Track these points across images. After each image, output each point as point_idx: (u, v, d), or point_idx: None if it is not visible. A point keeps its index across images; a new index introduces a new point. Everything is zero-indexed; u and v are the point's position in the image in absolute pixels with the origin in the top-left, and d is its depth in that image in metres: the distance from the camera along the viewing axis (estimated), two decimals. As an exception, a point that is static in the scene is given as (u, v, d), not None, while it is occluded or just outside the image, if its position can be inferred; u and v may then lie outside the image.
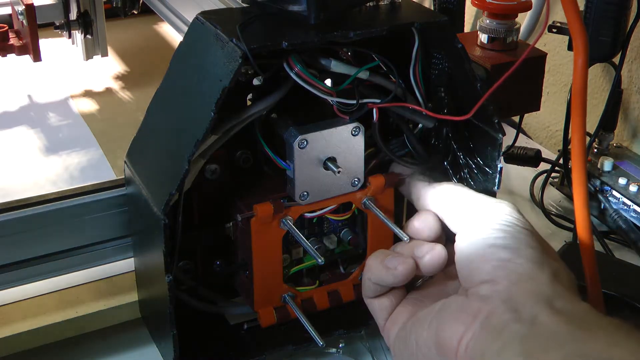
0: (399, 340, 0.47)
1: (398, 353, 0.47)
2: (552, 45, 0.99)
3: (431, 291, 0.50)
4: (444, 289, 0.50)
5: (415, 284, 0.51)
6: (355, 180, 0.58)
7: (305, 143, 0.55)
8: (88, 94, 1.09)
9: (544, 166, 0.87)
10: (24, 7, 0.95)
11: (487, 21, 0.70)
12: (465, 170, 0.60)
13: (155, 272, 0.55)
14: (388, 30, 0.53)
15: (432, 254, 0.48)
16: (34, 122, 1.01)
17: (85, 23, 1.02)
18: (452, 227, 0.50)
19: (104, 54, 1.06)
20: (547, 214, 0.82)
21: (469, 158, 0.60)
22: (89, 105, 1.05)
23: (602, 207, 0.78)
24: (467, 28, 0.86)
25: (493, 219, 0.45)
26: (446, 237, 0.52)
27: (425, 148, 0.61)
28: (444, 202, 0.52)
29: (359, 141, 0.57)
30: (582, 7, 0.68)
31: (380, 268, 0.48)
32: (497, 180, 0.57)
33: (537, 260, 0.42)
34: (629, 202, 0.76)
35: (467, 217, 0.48)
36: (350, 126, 0.56)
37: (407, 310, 0.49)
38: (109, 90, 1.10)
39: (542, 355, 0.36)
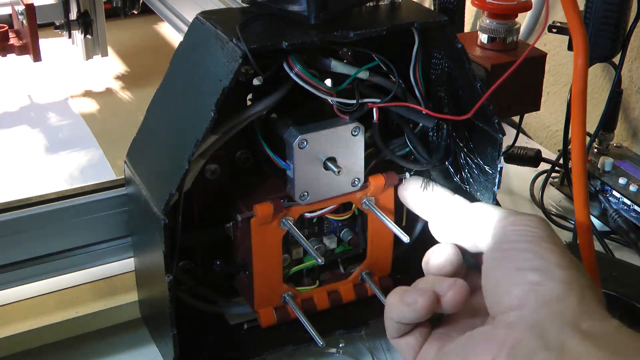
0: None
1: None
2: (552, 45, 0.99)
3: (457, 324, 0.47)
4: (470, 320, 0.47)
5: (440, 319, 0.49)
6: (355, 180, 0.58)
7: (305, 143, 0.55)
8: (88, 94, 1.09)
9: (544, 166, 0.87)
10: (24, 7, 0.95)
11: (487, 21, 0.70)
12: (466, 170, 0.60)
13: (155, 272, 0.55)
14: (388, 30, 0.53)
15: (454, 292, 0.45)
16: (34, 122, 1.01)
17: (85, 23, 1.02)
18: (474, 245, 0.47)
19: (104, 54, 1.06)
20: (547, 214, 0.82)
21: (469, 158, 0.60)
22: (89, 105, 1.05)
23: (602, 207, 0.78)
24: (467, 28, 0.86)
25: (519, 236, 0.43)
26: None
27: (426, 148, 0.61)
28: (462, 219, 0.49)
29: (359, 141, 0.57)
30: (582, 7, 0.68)
31: (401, 305, 0.45)
32: (497, 180, 0.57)
33: (566, 280, 0.40)
34: (629, 202, 0.76)
35: (491, 235, 0.45)
36: (350, 126, 0.56)
37: (434, 347, 0.46)
38: (109, 90, 1.10)
39: None
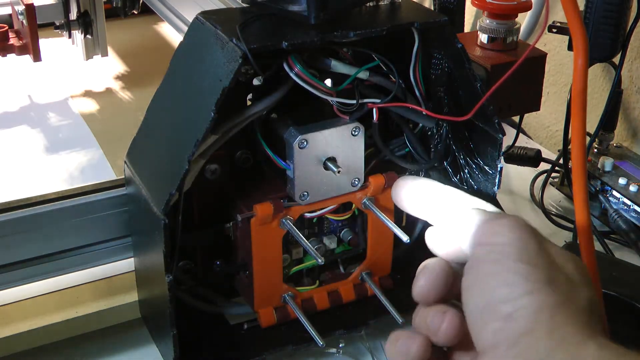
0: None
1: None
2: (552, 45, 0.99)
3: (460, 351, 0.45)
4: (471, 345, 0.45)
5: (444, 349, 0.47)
6: (355, 180, 0.58)
7: (305, 143, 0.55)
8: (88, 94, 1.09)
9: (544, 166, 0.87)
10: (24, 7, 0.95)
11: (487, 21, 0.70)
12: (466, 170, 0.60)
13: (155, 272, 0.55)
14: (388, 30, 0.53)
15: (444, 327, 0.43)
16: (34, 122, 1.01)
17: (85, 23, 1.02)
18: (461, 252, 0.45)
19: (104, 54, 1.06)
20: (547, 214, 0.82)
21: (469, 158, 0.60)
22: (89, 105, 1.05)
23: (602, 207, 0.78)
24: (467, 28, 0.86)
25: (487, 255, 0.41)
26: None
27: (426, 148, 0.61)
28: (449, 224, 0.46)
29: (359, 141, 0.57)
30: (582, 7, 0.68)
31: (397, 355, 0.44)
32: (497, 180, 0.57)
33: (534, 306, 0.38)
34: (629, 202, 0.76)
35: (469, 247, 0.43)
36: (350, 126, 0.56)
37: None
38: (109, 90, 1.10)
39: None
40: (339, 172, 0.56)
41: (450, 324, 0.43)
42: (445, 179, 0.61)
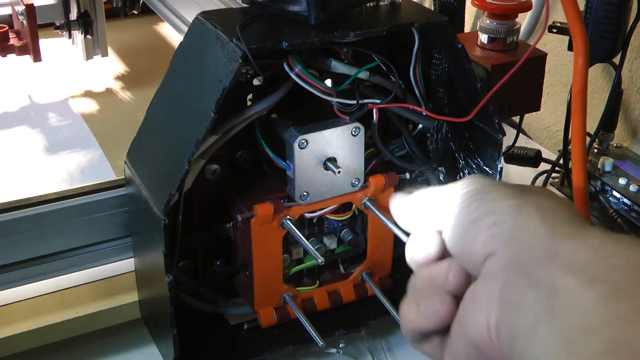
0: None
1: None
2: (552, 46, 0.99)
3: None
4: None
5: None
6: (355, 181, 0.58)
7: (305, 143, 0.55)
8: (88, 94, 1.09)
9: (544, 166, 0.87)
10: (24, 7, 0.95)
11: (487, 21, 0.70)
12: (466, 171, 0.60)
13: (155, 272, 0.55)
14: (388, 30, 0.53)
15: (453, 276, 0.42)
16: (34, 122, 1.01)
17: (85, 23, 1.02)
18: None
19: (104, 54, 1.06)
20: (547, 214, 0.82)
21: (469, 158, 0.60)
22: (89, 105, 1.05)
23: (602, 207, 0.78)
24: (467, 28, 0.86)
25: (460, 198, 0.41)
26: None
27: (424, 149, 0.61)
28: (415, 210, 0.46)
29: (359, 141, 0.57)
30: (582, 7, 0.68)
31: (420, 319, 0.42)
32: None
33: (516, 207, 0.38)
34: (629, 203, 0.76)
35: (439, 212, 0.43)
36: (351, 126, 0.56)
37: None
38: (109, 90, 1.10)
39: (578, 338, 0.31)
40: (339, 172, 0.56)
41: (457, 272, 0.41)
42: (445, 180, 0.61)
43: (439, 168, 0.63)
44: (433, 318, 0.42)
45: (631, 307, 0.31)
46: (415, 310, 0.43)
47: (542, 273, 0.35)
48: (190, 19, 0.56)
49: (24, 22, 0.96)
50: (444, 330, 0.43)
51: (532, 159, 0.84)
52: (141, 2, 1.12)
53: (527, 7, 0.70)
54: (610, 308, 0.32)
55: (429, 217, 0.45)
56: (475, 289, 0.39)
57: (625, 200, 0.76)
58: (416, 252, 0.45)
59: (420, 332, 0.44)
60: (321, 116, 0.56)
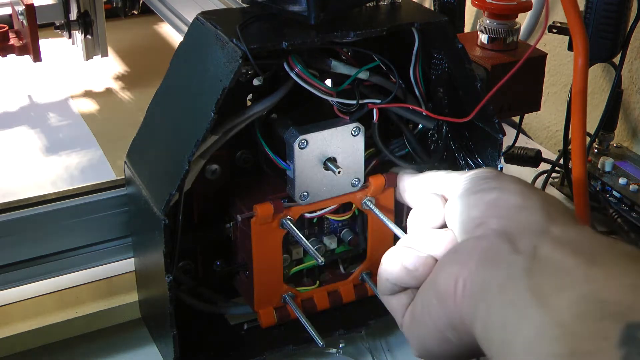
0: (410, 321, 0.44)
1: (412, 336, 0.43)
2: (552, 46, 0.99)
3: None
4: None
5: None
6: (355, 181, 0.58)
7: (305, 143, 0.55)
8: (88, 94, 1.09)
9: (544, 166, 0.87)
10: (24, 7, 0.95)
11: (487, 21, 0.70)
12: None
13: (155, 272, 0.55)
14: (388, 30, 0.53)
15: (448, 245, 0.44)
16: (34, 122, 1.01)
17: (85, 23, 1.02)
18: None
19: (104, 54, 1.06)
20: (547, 214, 0.82)
21: (469, 158, 0.60)
22: (89, 105, 1.05)
23: (602, 207, 0.78)
24: (467, 28, 0.86)
25: (472, 177, 0.44)
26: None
27: (425, 149, 0.61)
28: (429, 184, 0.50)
29: (359, 141, 0.57)
30: (582, 7, 0.68)
31: (400, 270, 0.44)
32: (497, 181, 0.57)
33: (524, 192, 0.40)
34: (629, 202, 0.76)
35: (451, 184, 0.46)
36: (351, 126, 0.56)
37: None
38: (109, 90, 1.10)
39: (552, 293, 0.33)
40: (339, 172, 0.56)
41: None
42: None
43: (439, 168, 0.63)
44: (412, 275, 0.44)
45: (607, 272, 0.33)
46: (399, 265, 0.44)
47: (528, 243, 0.37)
48: (190, 19, 0.56)
49: (24, 22, 0.96)
50: (415, 290, 0.45)
51: (532, 159, 0.84)
52: (141, 2, 1.12)
53: (527, 7, 0.70)
54: (587, 272, 0.33)
55: (437, 188, 0.48)
56: (458, 245, 0.40)
57: (625, 200, 0.76)
58: (419, 218, 0.47)
59: (394, 285, 0.46)
60: (321, 116, 0.56)
